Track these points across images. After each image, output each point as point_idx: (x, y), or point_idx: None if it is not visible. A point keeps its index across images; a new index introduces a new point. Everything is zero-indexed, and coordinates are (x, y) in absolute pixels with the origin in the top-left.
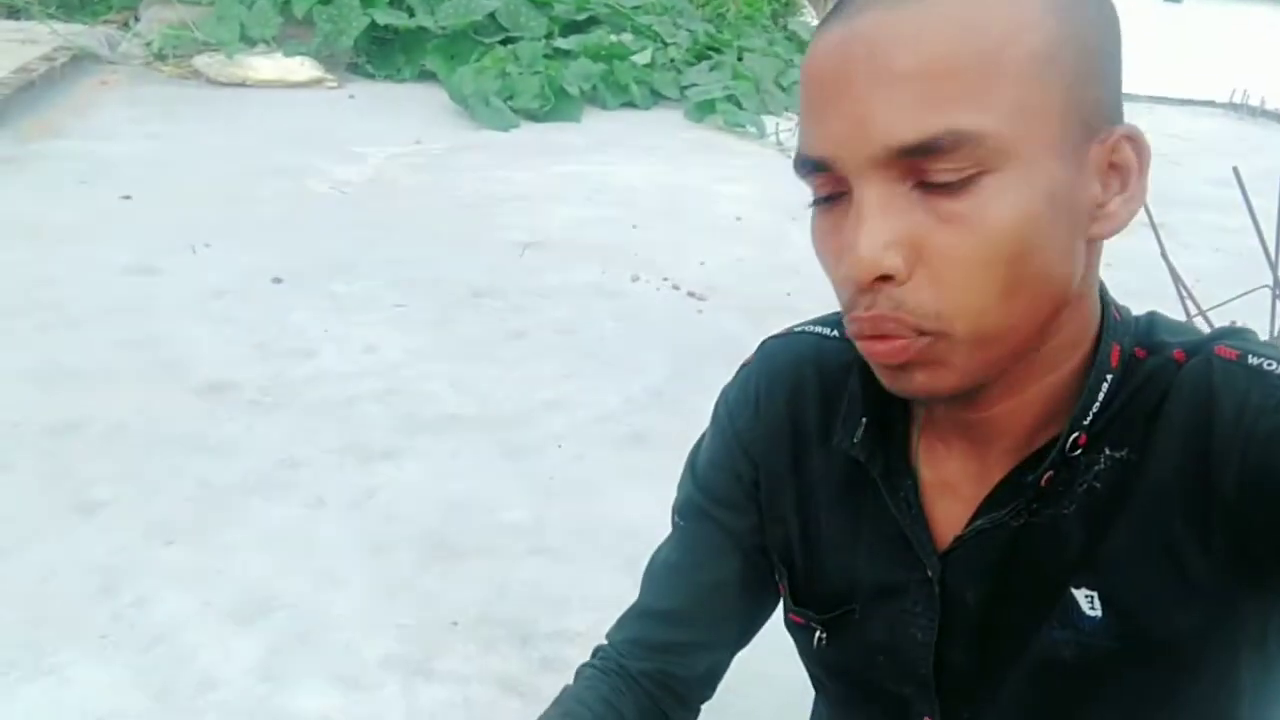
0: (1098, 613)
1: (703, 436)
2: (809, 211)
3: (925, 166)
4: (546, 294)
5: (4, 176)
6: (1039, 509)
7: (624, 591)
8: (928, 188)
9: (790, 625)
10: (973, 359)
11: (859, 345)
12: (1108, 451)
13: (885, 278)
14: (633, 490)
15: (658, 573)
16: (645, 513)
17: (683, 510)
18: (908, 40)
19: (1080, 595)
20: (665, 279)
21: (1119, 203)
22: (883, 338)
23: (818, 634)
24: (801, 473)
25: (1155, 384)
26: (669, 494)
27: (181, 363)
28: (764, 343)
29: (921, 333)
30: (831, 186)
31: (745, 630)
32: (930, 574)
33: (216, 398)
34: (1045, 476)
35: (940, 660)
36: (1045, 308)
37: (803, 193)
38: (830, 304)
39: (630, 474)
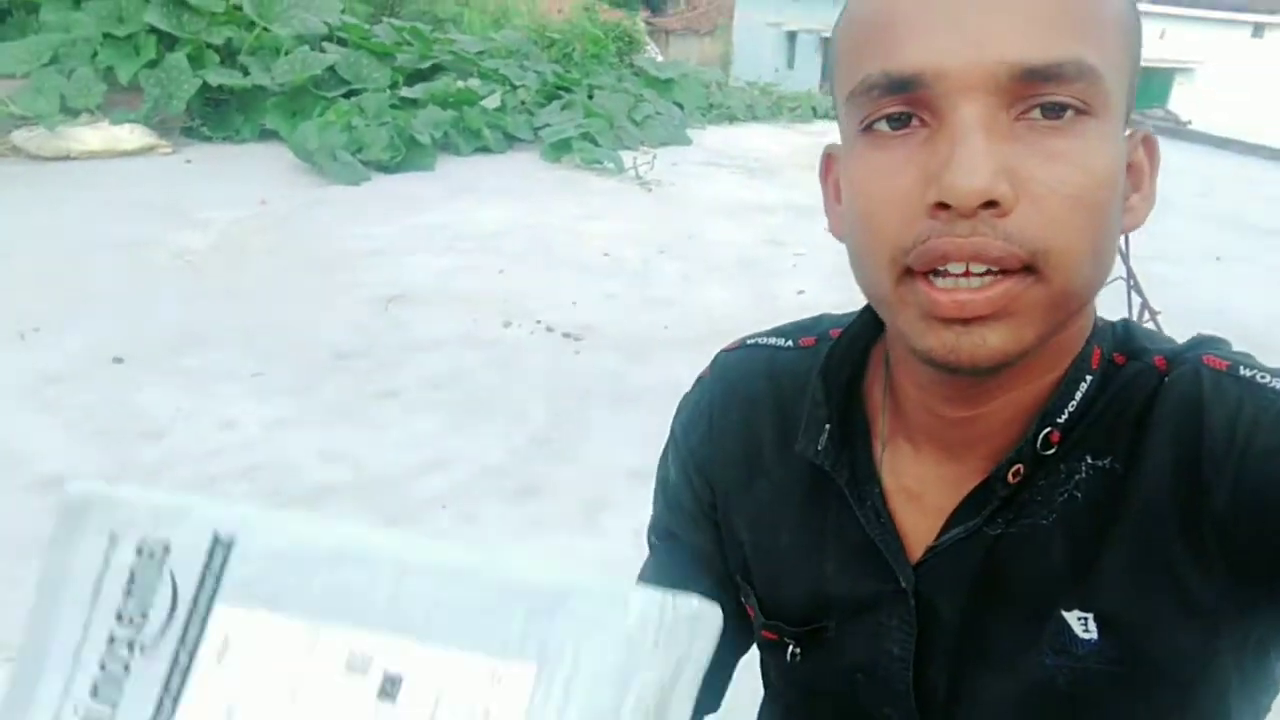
0: (1093, 635)
1: (665, 452)
2: (684, 241)
3: (1040, 94)
4: (416, 349)
5: None
6: (1015, 518)
7: None
8: (1030, 121)
9: (762, 643)
10: (1050, 315)
11: (923, 300)
12: (1089, 460)
13: (990, 205)
14: (529, 543)
15: None
16: None
17: (654, 529)
18: None
19: (1072, 618)
20: (538, 321)
21: (1138, 200)
22: (950, 284)
23: (791, 649)
24: (757, 486)
25: (1137, 390)
26: (572, 542)
27: (14, 458)
28: (717, 356)
29: (1022, 271)
30: (910, 107)
31: (733, 648)
32: (904, 585)
33: (55, 494)
34: (1013, 471)
35: (920, 679)
36: (1102, 282)
37: (667, 224)
38: (708, 339)
39: (524, 527)
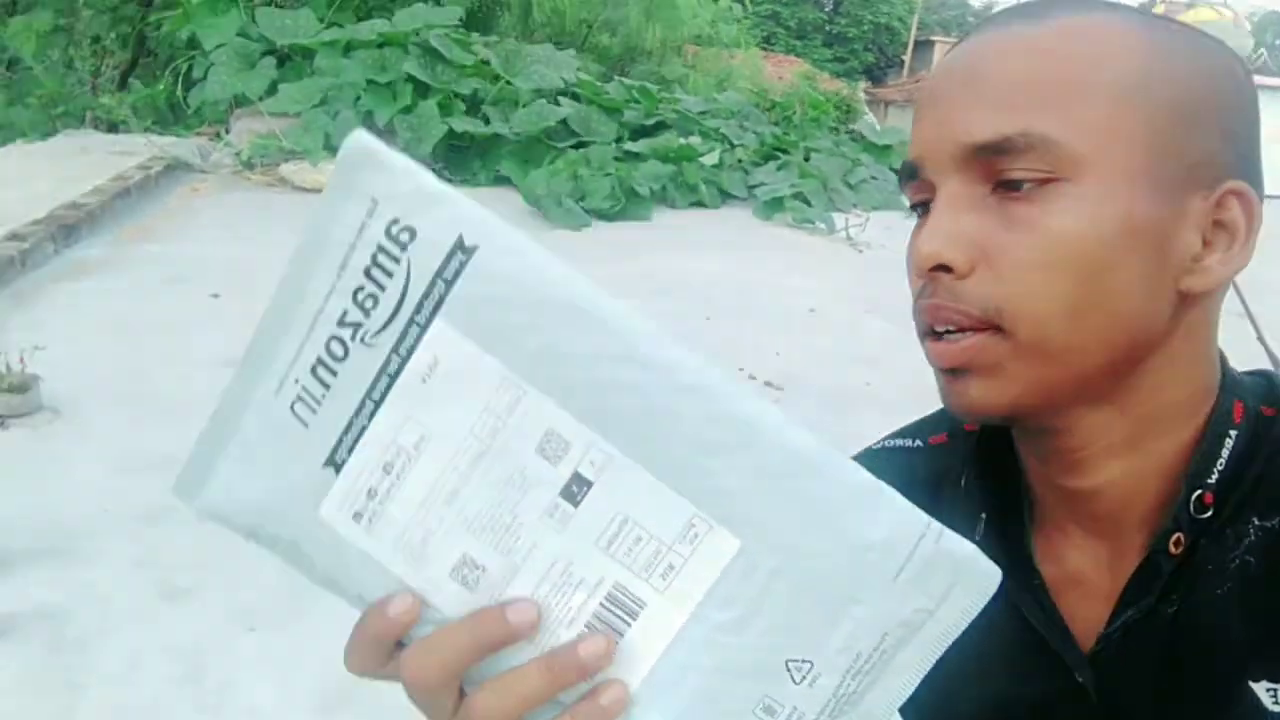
0: None
1: None
2: (893, 302)
3: (1000, 167)
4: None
5: (102, 276)
6: (1189, 591)
7: None
8: (1003, 193)
9: None
10: (1030, 371)
11: (928, 350)
12: (1256, 521)
13: (944, 269)
14: None
15: None
16: None
17: None
18: (999, 54)
19: (1261, 689)
20: (740, 369)
21: (1217, 260)
22: (940, 337)
23: None
24: None
25: None
26: None
27: None
28: None
29: (981, 326)
30: (922, 194)
31: None
32: (1080, 680)
33: None
34: (1174, 540)
35: None
36: (1117, 340)
37: (876, 285)
38: (911, 395)
39: None
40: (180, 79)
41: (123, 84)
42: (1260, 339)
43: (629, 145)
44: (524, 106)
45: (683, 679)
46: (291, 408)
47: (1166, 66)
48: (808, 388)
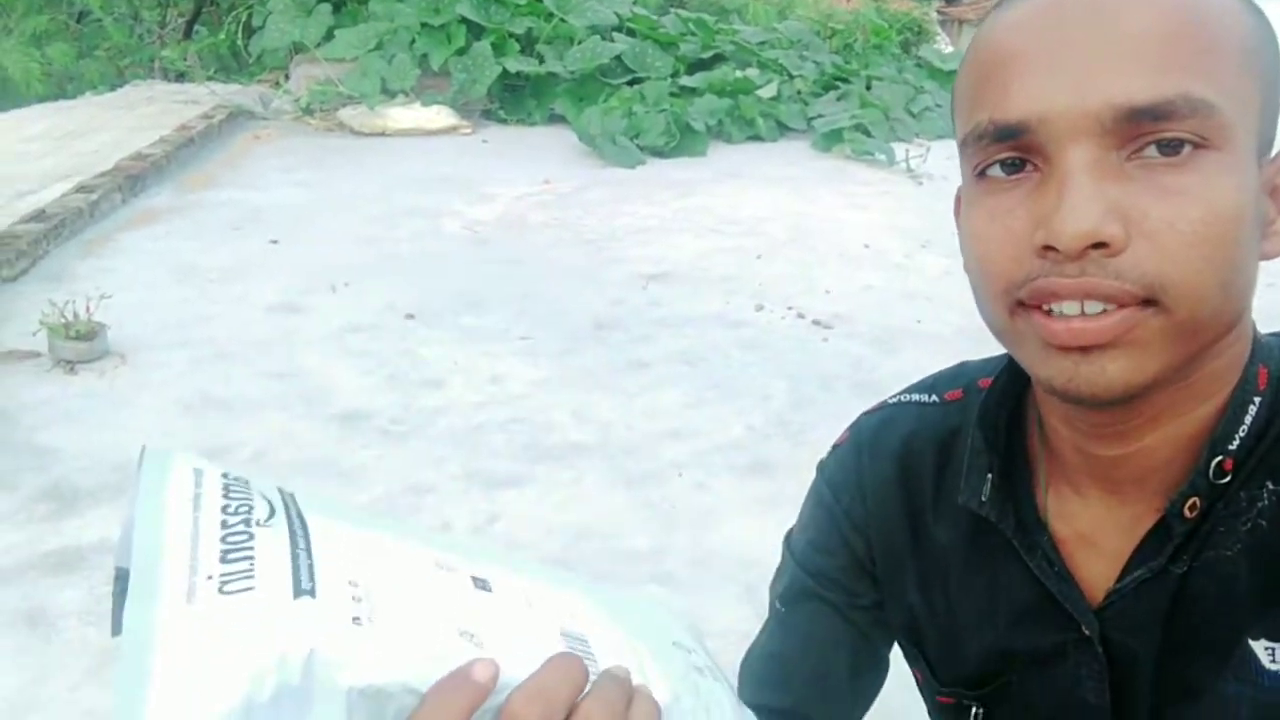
0: (1279, 666)
1: (800, 519)
2: (950, 237)
3: (1150, 133)
4: (670, 325)
5: (167, 224)
6: (1199, 552)
7: (742, 619)
8: (1146, 159)
9: (938, 707)
10: (1176, 346)
11: (1039, 329)
12: (1270, 485)
13: (1099, 245)
14: (755, 519)
15: (758, 667)
16: (767, 542)
17: (785, 596)
18: (1138, 2)
19: (1259, 648)
20: (790, 307)
21: None
22: (1061, 315)
23: (974, 710)
24: (922, 548)
25: None
26: (791, 523)
27: (320, 393)
28: (859, 419)
29: (1140, 303)
30: (1015, 154)
31: (855, 712)
32: (1088, 632)
33: (351, 426)
34: (1189, 504)
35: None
36: (1237, 310)
37: (935, 219)
38: (963, 332)
39: (752, 503)
40: (241, 27)
41: (187, 33)
42: None
43: (685, 80)
44: (578, 44)
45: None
46: (221, 591)
47: (1266, 34)
48: (857, 325)
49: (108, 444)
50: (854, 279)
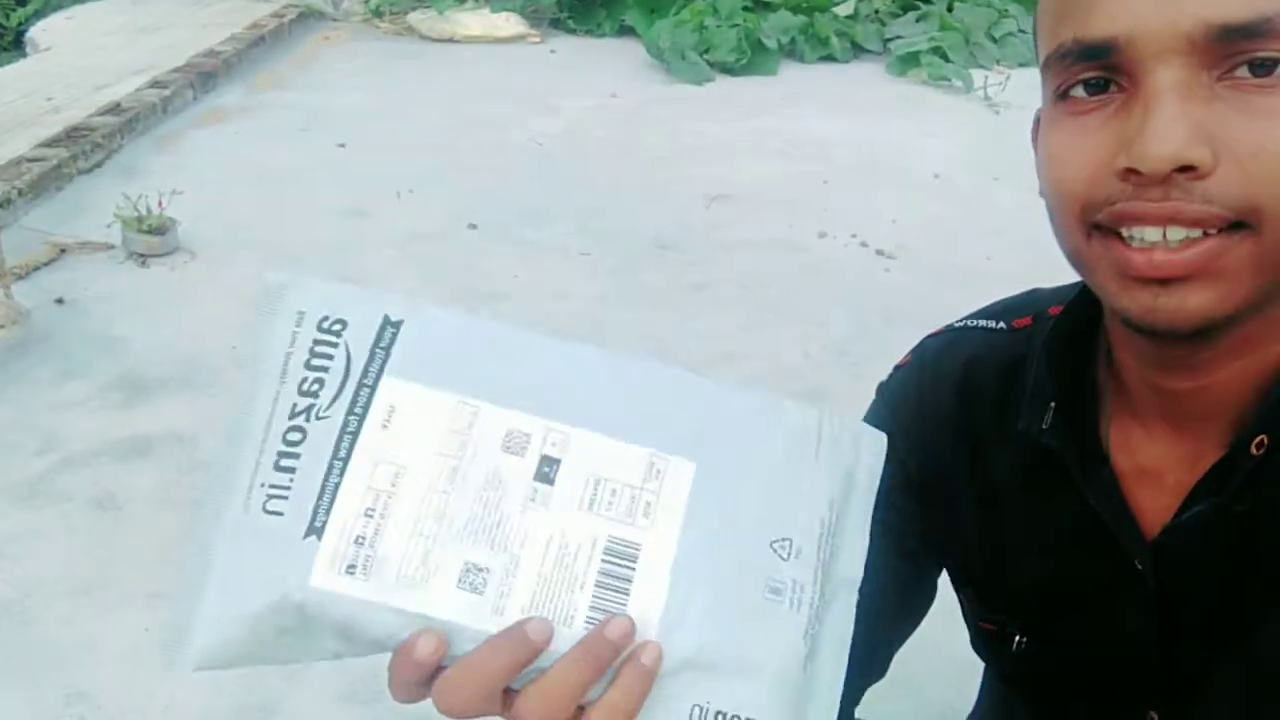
0: None
1: None
2: (1025, 170)
3: (1243, 52)
4: (730, 247)
5: (237, 123)
6: (1263, 490)
7: None
8: (1237, 79)
9: (980, 633)
10: (1261, 274)
11: (1116, 258)
12: None
13: (1186, 169)
14: None
15: None
16: None
17: None
18: None
19: None
20: (854, 235)
21: None
22: (1142, 245)
23: (1016, 639)
24: (980, 471)
25: None
26: None
27: None
28: (923, 341)
29: (1228, 227)
30: (1103, 73)
31: (909, 619)
32: (1140, 567)
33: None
34: (1257, 442)
35: (1164, 657)
36: None
37: (1010, 150)
38: (1032, 271)
39: None
40: None
41: None
42: None
43: None
44: None
45: (694, 595)
46: (264, 509)
47: None
48: (922, 258)
49: (177, 337)
50: (921, 210)
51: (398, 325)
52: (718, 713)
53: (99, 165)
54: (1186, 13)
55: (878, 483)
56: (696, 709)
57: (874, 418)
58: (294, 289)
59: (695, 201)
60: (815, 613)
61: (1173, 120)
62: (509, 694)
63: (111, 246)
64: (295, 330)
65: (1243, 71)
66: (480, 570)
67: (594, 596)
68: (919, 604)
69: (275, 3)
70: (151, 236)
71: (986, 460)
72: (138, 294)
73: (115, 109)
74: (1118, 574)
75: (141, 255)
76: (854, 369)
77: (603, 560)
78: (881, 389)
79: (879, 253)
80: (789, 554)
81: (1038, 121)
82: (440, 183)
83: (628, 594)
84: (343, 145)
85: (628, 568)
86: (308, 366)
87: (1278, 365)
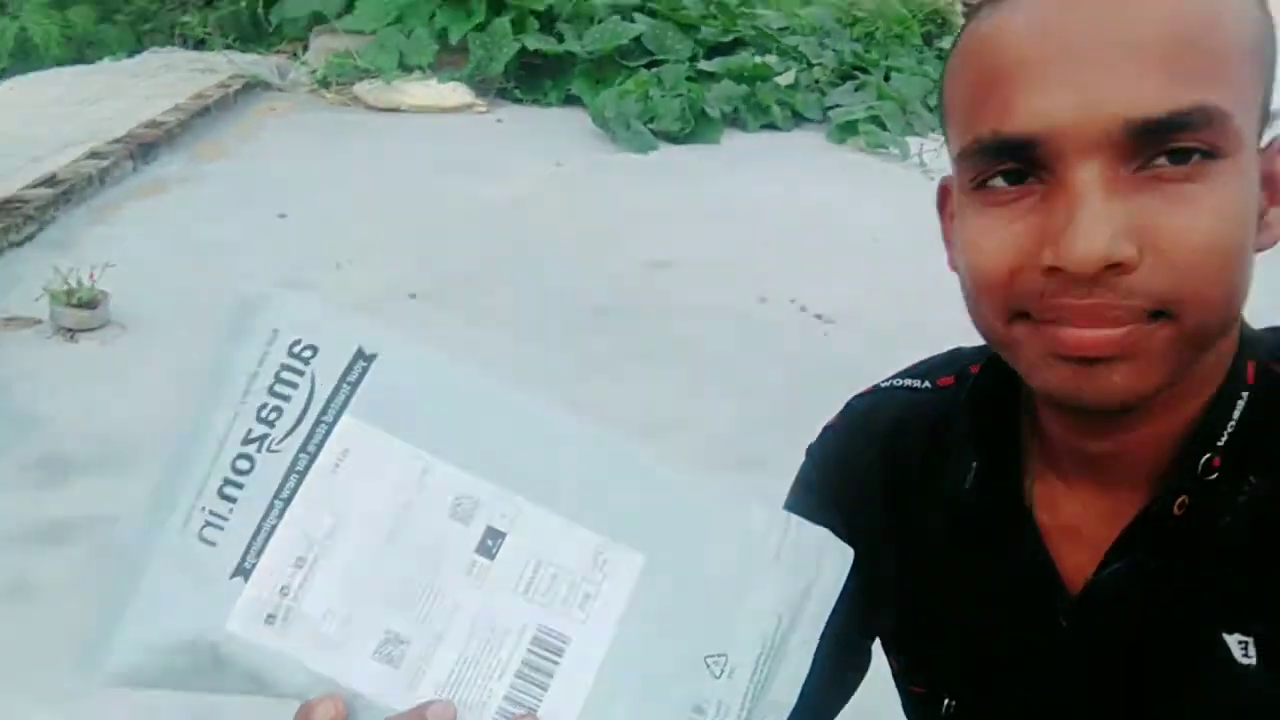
0: (1251, 660)
1: (786, 501)
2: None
3: (1162, 145)
4: (671, 313)
5: (176, 194)
6: (1179, 545)
7: None
8: (1155, 170)
9: (910, 698)
10: (1181, 356)
11: (1040, 337)
12: (1253, 480)
13: (1113, 266)
14: None
15: None
16: None
17: None
18: (1149, 5)
19: (1233, 641)
20: (793, 300)
21: (1276, 214)
22: (1096, 324)
23: (946, 702)
24: (906, 531)
25: None
26: None
27: None
28: (850, 401)
29: (1151, 316)
30: (1023, 167)
31: (843, 689)
32: (1065, 623)
33: None
34: (1178, 502)
35: (1093, 713)
36: (1238, 314)
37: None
38: (968, 333)
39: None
40: None
41: (209, 0)
42: None
43: (703, 64)
44: (598, 23)
45: (614, 703)
46: (200, 535)
47: (1269, 24)
48: (859, 321)
49: (102, 415)
50: (860, 273)
51: (370, 360)
52: None
53: (30, 238)
54: (1105, 111)
55: (833, 603)
56: None
57: (802, 478)
58: (271, 304)
59: (637, 268)
60: None
61: (1098, 219)
62: None
63: (39, 321)
64: (266, 349)
65: (1161, 161)
66: (401, 642)
67: (511, 687)
68: (854, 671)
69: (221, 73)
70: (81, 310)
71: (912, 520)
72: (63, 370)
73: (50, 180)
74: (1044, 632)
75: (70, 330)
76: (792, 434)
77: (529, 650)
78: (810, 450)
79: (818, 317)
80: (721, 672)
81: (943, 190)
82: (381, 252)
83: (546, 689)
84: (284, 215)
85: (552, 661)
86: (270, 392)
87: (1190, 424)
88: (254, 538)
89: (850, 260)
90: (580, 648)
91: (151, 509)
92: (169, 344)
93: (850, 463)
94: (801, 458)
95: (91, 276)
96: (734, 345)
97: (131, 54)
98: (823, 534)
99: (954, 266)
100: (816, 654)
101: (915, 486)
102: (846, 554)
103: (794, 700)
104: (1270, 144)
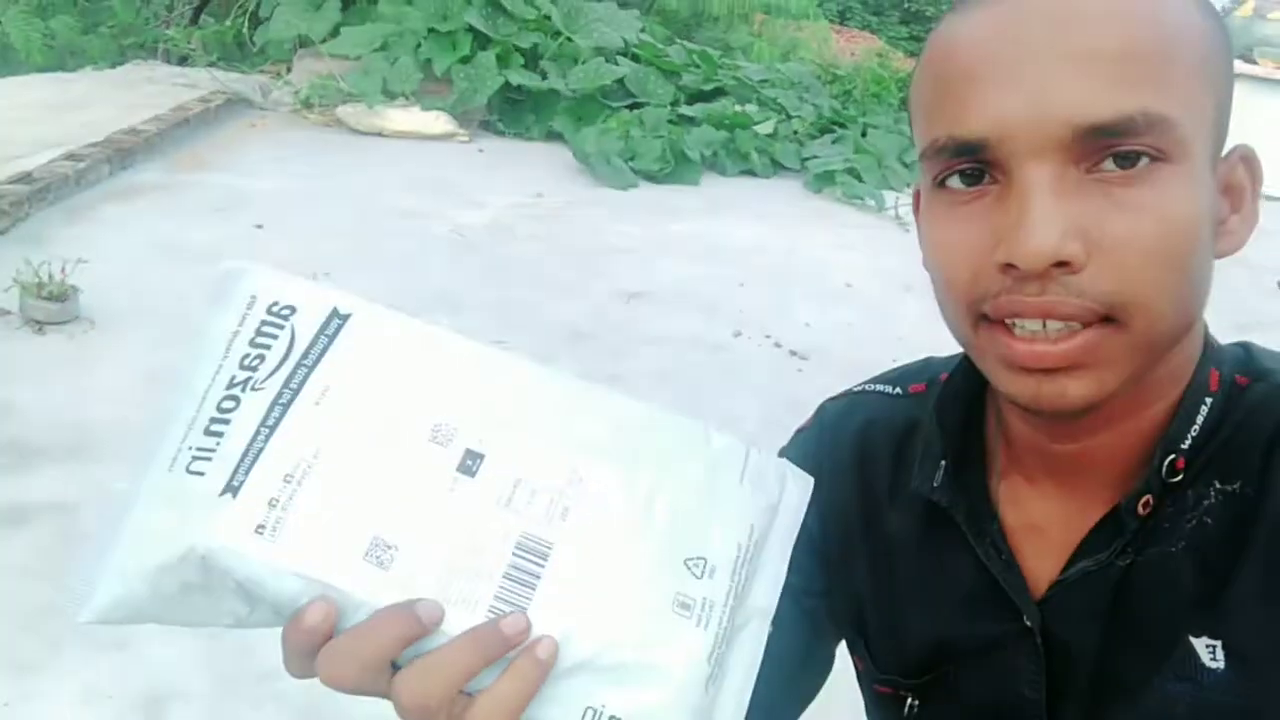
0: (1219, 665)
1: None
2: (922, 284)
3: (1109, 148)
4: (646, 342)
5: (152, 200)
6: (1144, 547)
7: None
8: (1105, 173)
9: (874, 698)
10: (1133, 361)
11: (1002, 348)
12: (1218, 484)
13: (1061, 264)
14: None
15: None
16: None
17: None
18: (1098, 16)
19: (1200, 645)
20: (768, 336)
21: (1237, 221)
22: (1025, 336)
23: (909, 701)
24: (874, 534)
25: (1267, 412)
26: None
27: None
28: (823, 404)
29: (1101, 320)
30: (972, 165)
31: (810, 683)
32: (1029, 623)
33: None
34: (1143, 502)
35: (1053, 716)
36: (1194, 316)
37: (919, 265)
38: None
39: None
40: (248, 17)
41: (195, 19)
42: None
43: (684, 109)
44: (582, 64)
45: (601, 600)
46: (187, 469)
47: (1221, 37)
48: (832, 359)
49: (66, 405)
50: (833, 315)
51: (345, 317)
52: (611, 717)
53: (3, 233)
54: (1054, 115)
55: (800, 520)
56: (590, 711)
57: None
58: (249, 275)
59: (614, 297)
60: (724, 635)
61: (1047, 218)
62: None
63: (8, 313)
64: (246, 312)
65: (1109, 164)
66: (389, 547)
67: (500, 588)
68: (818, 666)
69: (203, 88)
70: (50, 303)
71: (882, 520)
72: (30, 360)
73: (25, 178)
74: (1008, 632)
75: (39, 322)
76: None
77: (513, 555)
78: (783, 453)
79: (792, 353)
80: (702, 572)
81: (916, 193)
82: (357, 268)
83: (534, 589)
84: (260, 226)
85: (537, 564)
86: (251, 344)
87: (1154, 428)
88: (242, 459)
89: (825, 302)
90: (564, 553)
91: (139, 467)
92: (136, 341)
93: (824, 464)
94: None
95: (63, 272)
96: (707, 376)
97: (113, 66)
98: (782, 462)
99: (927, 266)
100: (776, 653)
101: (886, 488)
102: (807, 481)
103: (774, 605)
104: (1230, 153)
